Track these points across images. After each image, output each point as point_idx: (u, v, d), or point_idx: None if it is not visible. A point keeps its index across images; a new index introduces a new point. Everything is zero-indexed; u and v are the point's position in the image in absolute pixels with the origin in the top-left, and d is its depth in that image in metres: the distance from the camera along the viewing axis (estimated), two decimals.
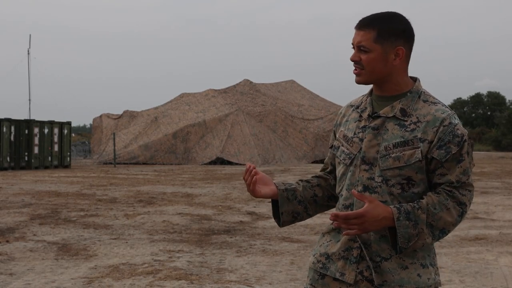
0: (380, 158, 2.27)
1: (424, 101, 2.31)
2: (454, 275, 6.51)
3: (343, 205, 2.35)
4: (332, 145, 2.50)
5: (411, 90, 2.34)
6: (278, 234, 9.14)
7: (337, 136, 2.46)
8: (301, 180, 2.54)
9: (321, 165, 2.68)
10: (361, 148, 2.32)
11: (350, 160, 2.34)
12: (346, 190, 2.33)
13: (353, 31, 2.35)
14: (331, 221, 2.37)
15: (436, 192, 2.25)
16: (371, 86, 2.45)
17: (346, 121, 2.44)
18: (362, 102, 2.42)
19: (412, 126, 2.26)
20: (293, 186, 2.49)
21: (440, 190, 2.25)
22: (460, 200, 2.24)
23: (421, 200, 2.23)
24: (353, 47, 2.34)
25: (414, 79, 2.38)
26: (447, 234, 2.27)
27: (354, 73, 2.34)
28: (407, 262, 2.27)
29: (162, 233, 9.09)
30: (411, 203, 2.23)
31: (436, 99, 2.34)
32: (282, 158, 34.25)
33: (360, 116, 2.39)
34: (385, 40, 2.27)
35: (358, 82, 2.36)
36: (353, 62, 2.34)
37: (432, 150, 2.24)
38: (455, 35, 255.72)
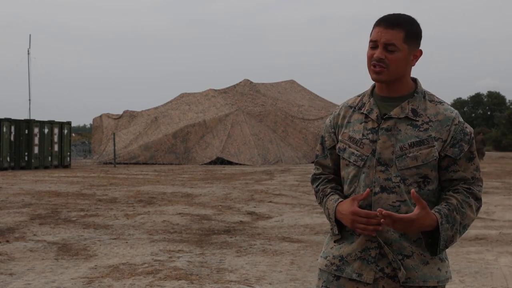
0: (396, 158, 2.29)
1: (430, 101, 2.36)
2: (454, 275, 6.50)
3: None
4: (332, 146, 2.47)
5: (417, 91, 2.37)
6: (278, 234, 9.14)
7: (339, 137, 2.43)
8: (335, 189, 2.47)
9: None
10: (374, 150, 2.32)
11: (363, 162, 2.33)
12: (363, 192, 2.32)
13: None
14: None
15: (455, 191, 2.31)
16: (370, 86, 2.45)
17: (348, 122, 2.41)
18: (364, 103, 2.40)
19: (425, 126, 2.30)
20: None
21: (458, 188, 2.31)
22: (477, 195, 2.33)
23: (450, 201, 2.29)
24: (375, 45, 2.32)
25: (414, 80, 2.41)
26: (467, 229, 2.37)
27: (375, 71, 2.31)
28: (427, 257, 2.32)
29: (162, 233, 9.09)
30: (445, 205, 2.27)
31: (440, 99, 2.39)
32: (283, 158, 34.25)
33: (366, 117, 2.37)
34: (411, 42, 2.33)
35: (378, 80, 2.34)
36: (374, 60, 2.31)
37: (446, 148, 2.30)
38: (455, 35, 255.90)
